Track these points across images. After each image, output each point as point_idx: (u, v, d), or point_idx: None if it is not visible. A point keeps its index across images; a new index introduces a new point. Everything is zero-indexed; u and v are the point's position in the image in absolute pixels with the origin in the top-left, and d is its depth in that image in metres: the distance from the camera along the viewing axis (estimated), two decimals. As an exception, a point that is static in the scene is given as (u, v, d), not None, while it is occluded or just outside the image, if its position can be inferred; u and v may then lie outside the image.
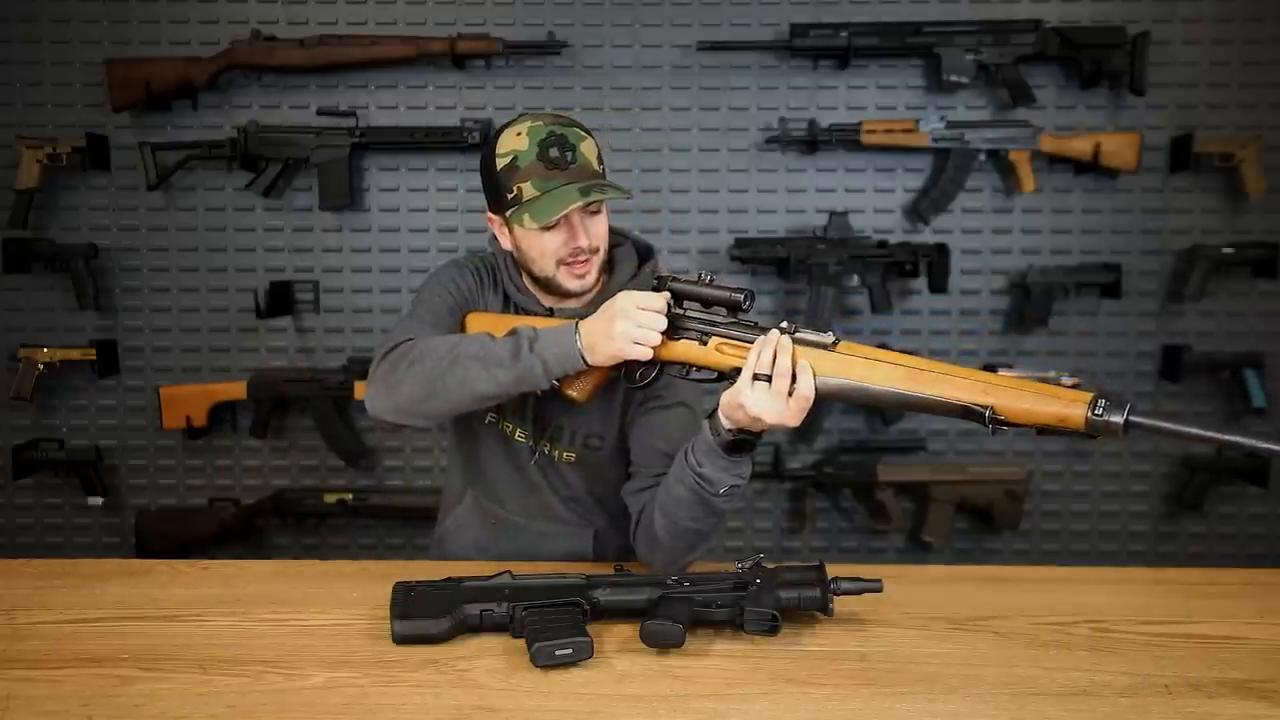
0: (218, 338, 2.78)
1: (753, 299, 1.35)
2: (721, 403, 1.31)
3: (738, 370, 1.29)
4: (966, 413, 1.19)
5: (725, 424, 1.31)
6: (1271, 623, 1.32)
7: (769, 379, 1.26)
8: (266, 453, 2.80)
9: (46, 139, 2.63)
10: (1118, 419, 1.13)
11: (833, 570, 1.31)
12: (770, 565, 1.30)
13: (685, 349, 1.36)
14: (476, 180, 2.67)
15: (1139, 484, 2.79)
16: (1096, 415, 1.13)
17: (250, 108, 2.70)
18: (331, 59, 2.61)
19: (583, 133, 1.48)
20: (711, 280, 1.36)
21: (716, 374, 1.36)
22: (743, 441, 1.32)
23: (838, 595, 1.28)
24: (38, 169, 2.62)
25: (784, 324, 1.31)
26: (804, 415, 1.28)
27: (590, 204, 1.44)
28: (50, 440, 2.77)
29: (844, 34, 2.58)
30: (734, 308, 1.34)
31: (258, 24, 2.65)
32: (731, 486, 1.35)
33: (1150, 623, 1.32)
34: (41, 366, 2.69)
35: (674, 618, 1.21)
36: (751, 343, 1.30)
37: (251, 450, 2.80)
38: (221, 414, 2.75)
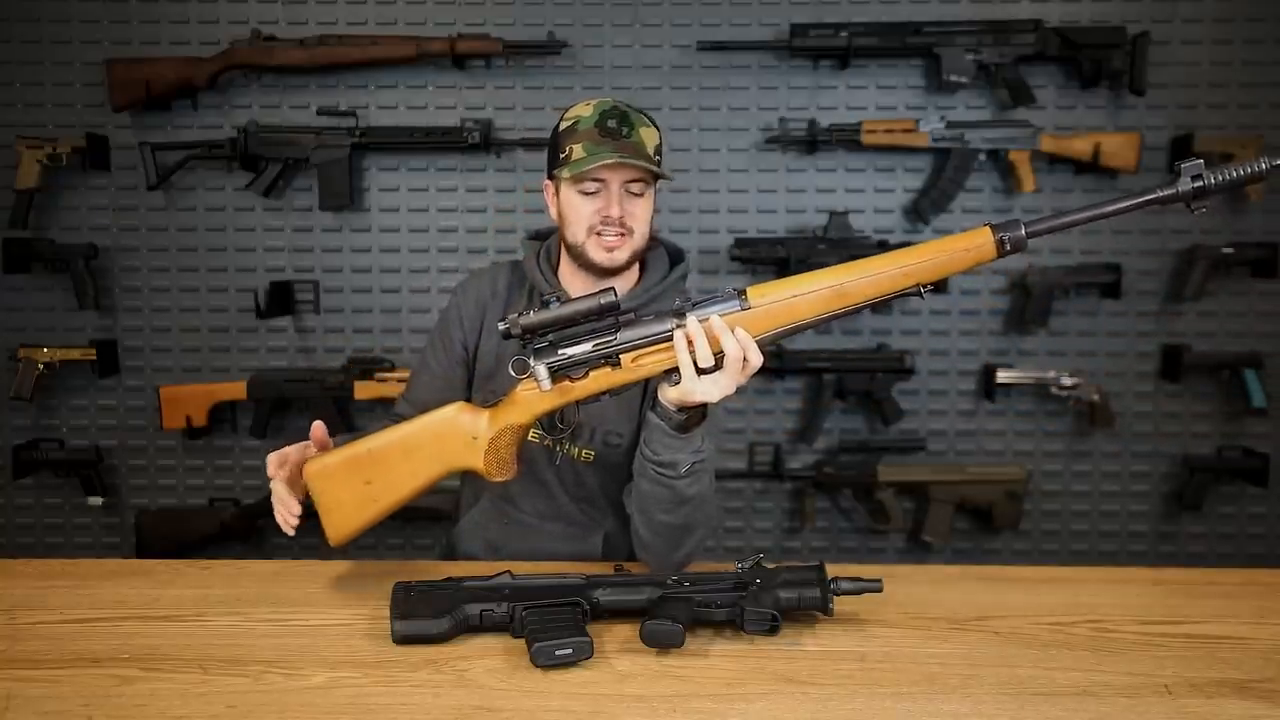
0: (218, 338, 2.78)
1: (614, 292, 1.28)
2: (666, 398, 1.33)
3: (668, 370, 1.30)
4: (901, 296, 1.28)
5: (672, 408, 1.33)
6: (1271, 623, 1.32)
7: (714, 369, 1.28)
8: (266, 453, 2.79)
9: (46, 139, 2.64)
10: (1020, 231, 1.23)
11: (833, 570, 1.31)
12: (770, 565, 1.30)
13: (598, 381, 1.32)
14: (477, 180, 2.74)
15: (1139, 484, 2.79)
16: (1001, 238, 1.24)
17: (250, 108, 2.70)
18: (331, 59, 2.61)
19: (648, 120, 1.50)
20: (559, 299, 1.29)
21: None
22: (692, 417, 1.35)
23: (838, 595, 1.28)
24: (38, 169, 2.63)
25: (677, 303, 1.30)
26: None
27: (626, 173, 1.46)
28: (50, 440, 2.77)
29: (844, 34, 2.58)
30: (611, 310, 1.28)
31: (258, 24, 2.65)
32: (693, 464, 1.37)
33: (1150, 623, 1.32)
34: (41, 366, 2.69)
35: (674, 618, 1.21)
36: (666, 338, 1.29)
37: (251, 450, 2.80)
38: (221, 414, 2.76)
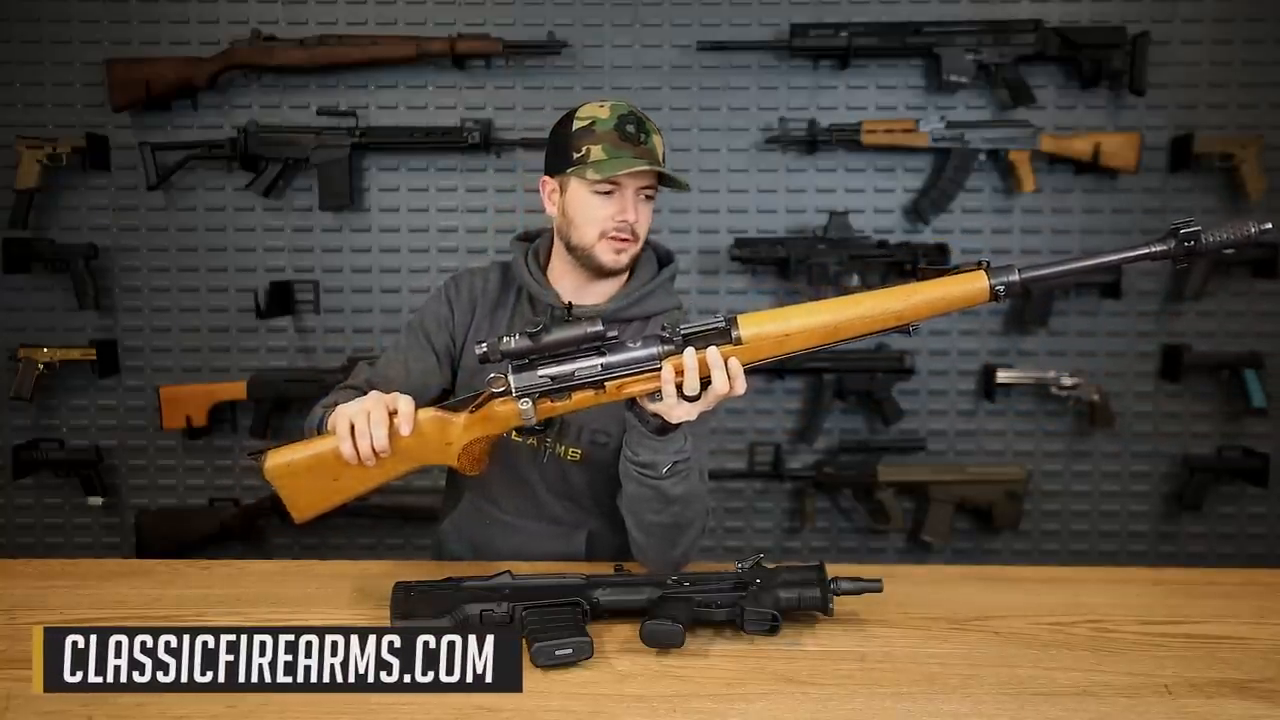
0: (218, 338, 2.78)
1: (600, 322, 1.27)
2: (646, 406, 1.33)
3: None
4: (893, 332, 1.29)
5: (649, 413, 1.34)
6: (1271, 623, 1.32)
7: (697, 397, 1.28)
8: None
9: (46, 139, 2.64)
10: (1015, 277, 1.24)
11: (833, 570, 1.31)
12: (770, 565, 1.31)
13: (580, 402, 1.31)
14: (477, 180, 2.74)
15: (1139, 484, 2.79)
16: (997, 283, 1.24)
17: (250, 108, 2.70)
18: (331, 59, 2.61)
19: (656, 129, 1.53)
20: (545, 328, 1.26)
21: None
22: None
23: (838, 595, 1.28)
24: (38, 169, 2.63)
25: (664, 331, 1.28)
26: None
27: (649, 179, 1.48)
28: (50, 440, 2.77)
29: (844, 34, 2.58)
30: (599, 339, 1.27)
31: (258, 24, 2.65)
32: (674, 464, 1.37)
33: (1150, 623, 1.32)
34: (41, 366, 2.69)
35: (674, 618, 1.21)
36: (654, 366, 1.28)
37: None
38: (221, 414, 2.76)
